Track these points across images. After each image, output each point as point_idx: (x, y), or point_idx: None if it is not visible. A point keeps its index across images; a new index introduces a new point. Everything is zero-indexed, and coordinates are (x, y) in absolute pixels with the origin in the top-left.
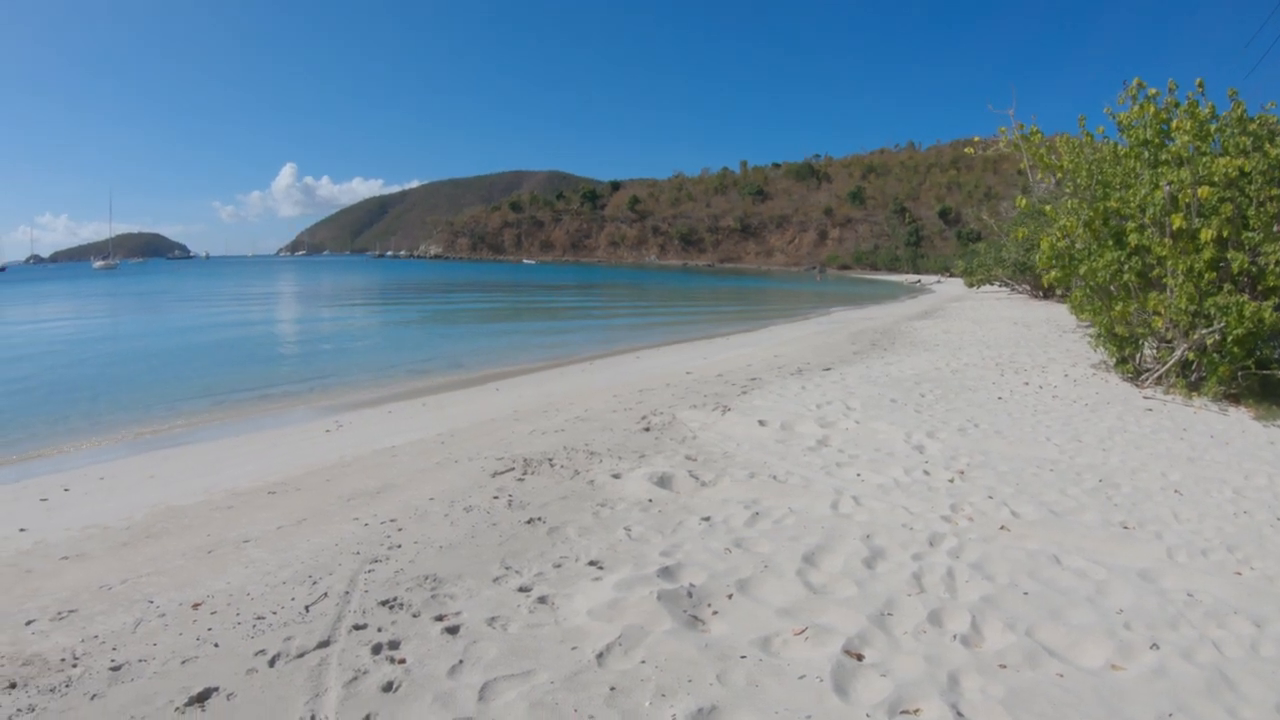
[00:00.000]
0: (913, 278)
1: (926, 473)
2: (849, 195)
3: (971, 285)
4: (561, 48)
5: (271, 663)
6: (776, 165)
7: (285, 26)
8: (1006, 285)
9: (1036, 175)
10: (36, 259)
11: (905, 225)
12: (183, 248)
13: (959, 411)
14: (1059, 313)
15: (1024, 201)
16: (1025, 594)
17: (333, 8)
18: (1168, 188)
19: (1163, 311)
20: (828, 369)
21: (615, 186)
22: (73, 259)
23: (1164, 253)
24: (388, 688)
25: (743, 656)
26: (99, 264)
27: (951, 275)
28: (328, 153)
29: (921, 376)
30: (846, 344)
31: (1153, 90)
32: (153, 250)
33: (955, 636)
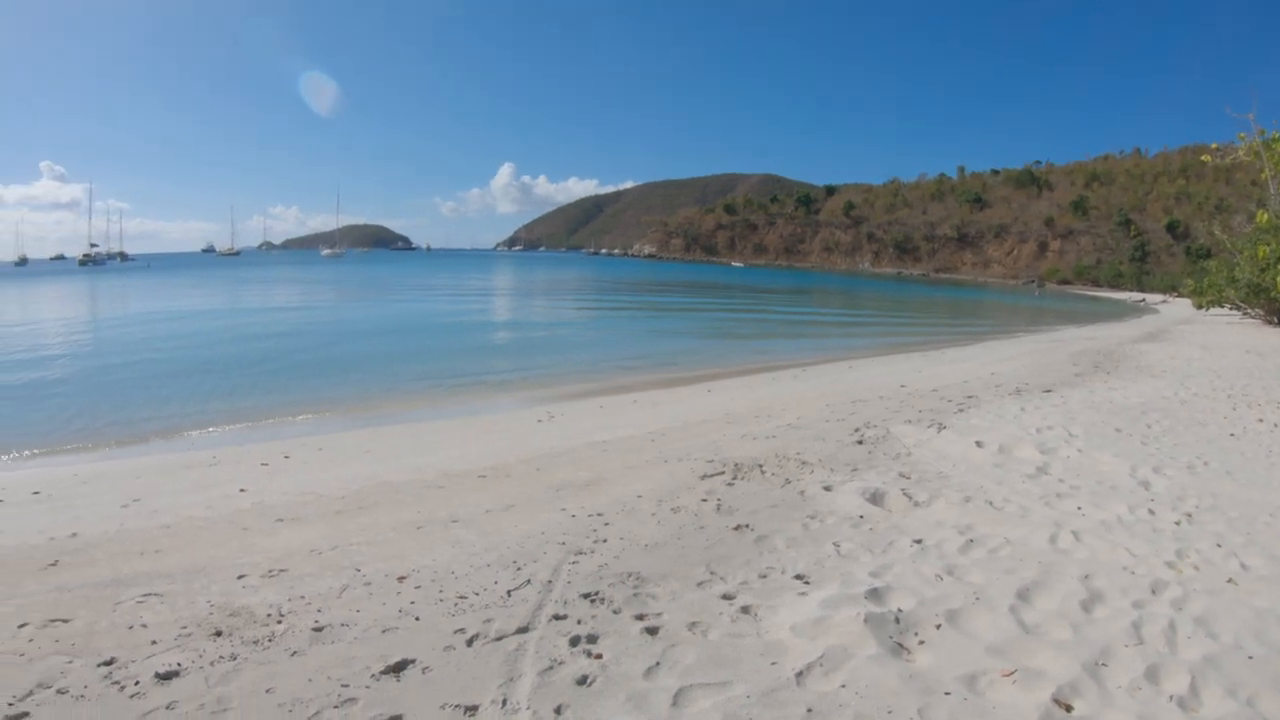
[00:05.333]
0: (1137, 296)
1: (1151, 512)
2: (1071, 205)
3: (1200, 307)
4: (777, 48)
5: (470, 642)
6: (995, 171)
7: (511, 25)
8: (1238, 308)
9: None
10: (269, 246)
11: (1130, 238)
12: (405, 240)
13: (1187, 447)
14: None
15: (1264, 216)
16: (1250, 658)
17: (556, 7)
18: None
19: None
20: (1048, 390)
21: (830, 191)
22: (302, 247)
23: None
24: (582, 681)
25: (947, 693)
26: (326, 252)
27: (1178, 295)
28: (545, 153)
29: (1148, 405)
30: (1067, 364)
31: None
32: (377, 241)
33: (1172, 698)
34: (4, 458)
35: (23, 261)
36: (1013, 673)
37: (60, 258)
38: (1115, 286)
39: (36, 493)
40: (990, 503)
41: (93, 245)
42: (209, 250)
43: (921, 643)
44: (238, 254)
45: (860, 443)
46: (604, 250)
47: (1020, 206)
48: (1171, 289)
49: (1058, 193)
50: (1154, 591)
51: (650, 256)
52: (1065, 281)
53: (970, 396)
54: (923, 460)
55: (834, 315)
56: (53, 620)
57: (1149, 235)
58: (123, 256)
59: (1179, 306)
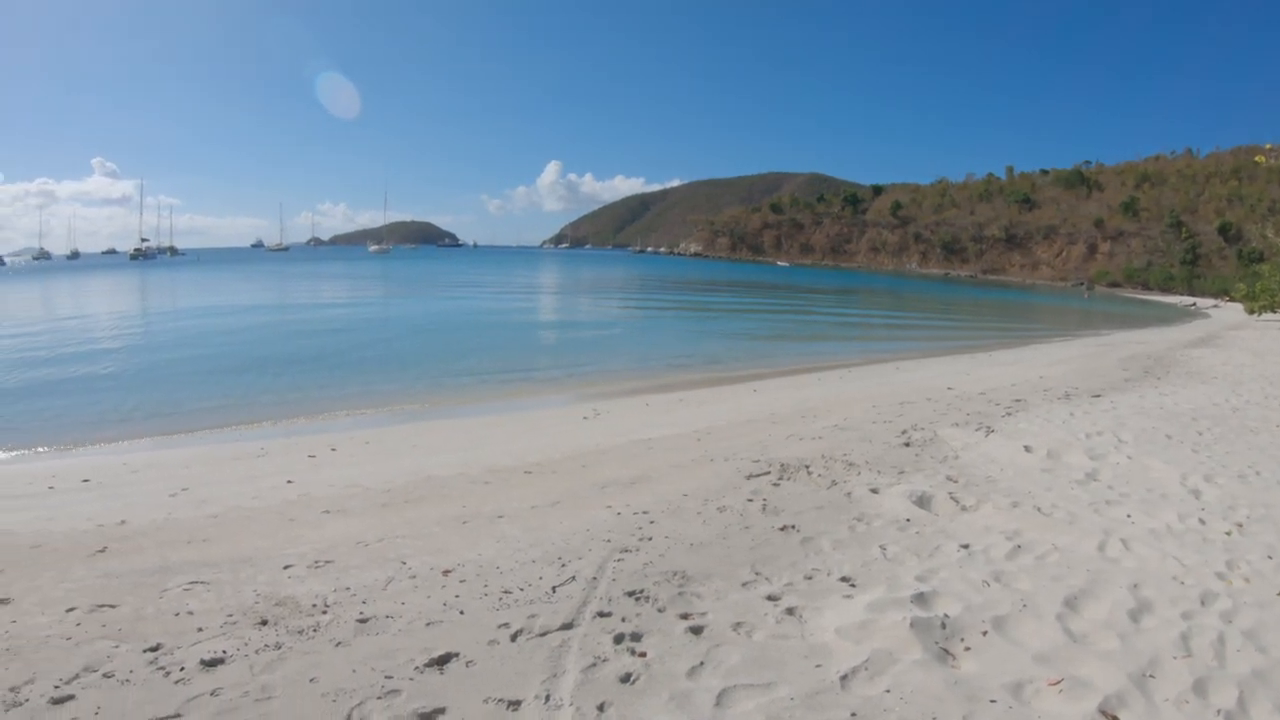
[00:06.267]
0: (1187, 300)
1: (1202, 521)
2: (1121, 206)
3: (1252, 312)
4: (824, 46)
5: (514, 637)
6: (1044, 172)
7: (558, 23)
8: None
9: None
10: (317, 241)
11: (1181, 241)
12: (452, 236)
13: (1239, 455)
14: None
15: None
16: None
17: (604, 4)
18: None
19: None
20: (1097, 395)
21: (877, 191)
22: (350, 243)
23: None
24: (625, 679)
25: (992, 701)
26: (374, 248)
27: (1230, 299)
28: (591, 151)
29: (1199, 412)
30: (1117, 369)
31: None
32: (423, 238)
33: (1219, 712)
34: (56, 446)
35: (75, 255)
36: (1059, 682)
37: (112, 252)
38: (1165, 290)
39: (87, 480)
40: (1038, 508)
41: (143, 240)
42: (258, 246)
43: (967, 649)
44: (286, 250)
45: (907, 445)
46: (650, 249)
47: (1069, 207)
48: (1223, 293)
49: (1108, 194)
50: (1203, 603)
51: (696, 255)
52: (1115, 284)
53: (1018, 400)
54: (970, 464)
55: (881, 316)
56: (100, 606)
57: (1200, 238)
58: (173, 251)
59: (1230, 311)
